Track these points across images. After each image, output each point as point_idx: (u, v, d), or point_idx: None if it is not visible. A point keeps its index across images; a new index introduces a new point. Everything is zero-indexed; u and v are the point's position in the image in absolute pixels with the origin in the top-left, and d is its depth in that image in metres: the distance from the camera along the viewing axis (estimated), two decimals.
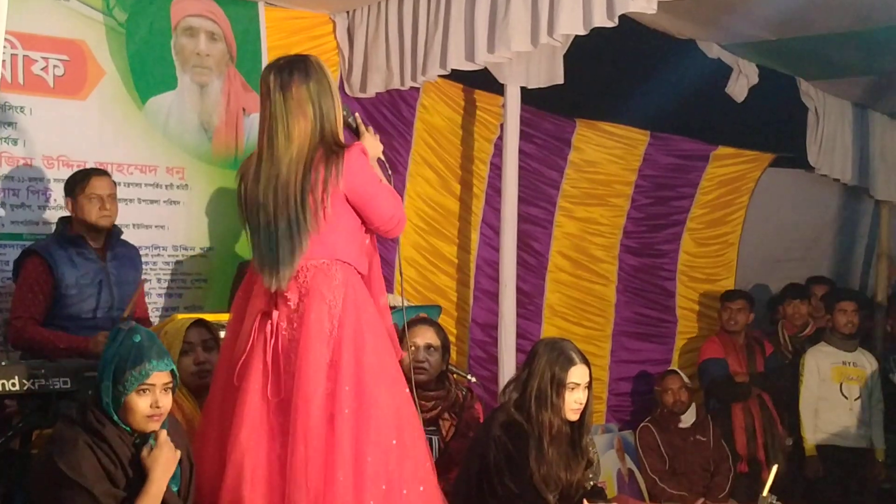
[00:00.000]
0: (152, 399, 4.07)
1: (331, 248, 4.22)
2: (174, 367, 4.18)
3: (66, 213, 5.69)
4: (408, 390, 4.31)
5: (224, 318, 5.29)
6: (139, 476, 4.04)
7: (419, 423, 4.36)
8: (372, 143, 4.40)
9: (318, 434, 4.07)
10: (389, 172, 4.48)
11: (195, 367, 4.86)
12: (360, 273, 4.30)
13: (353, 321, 4.17)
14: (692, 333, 9.25)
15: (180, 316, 5.18)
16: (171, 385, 4.14)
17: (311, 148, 4.20)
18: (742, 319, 8.60)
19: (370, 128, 4.48)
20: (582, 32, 5.99)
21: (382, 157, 4.48)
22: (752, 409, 8.35)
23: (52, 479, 3.94)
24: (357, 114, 4.50)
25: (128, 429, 4.08)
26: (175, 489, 4.16)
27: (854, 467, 8.14)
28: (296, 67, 4.27)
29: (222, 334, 5.01)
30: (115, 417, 4.05)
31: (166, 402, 4.12)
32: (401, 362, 4.43)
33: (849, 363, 8.15)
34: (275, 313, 4.23)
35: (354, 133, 4.44)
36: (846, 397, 8.08)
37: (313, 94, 4.23)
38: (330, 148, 4.19)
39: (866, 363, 8.24)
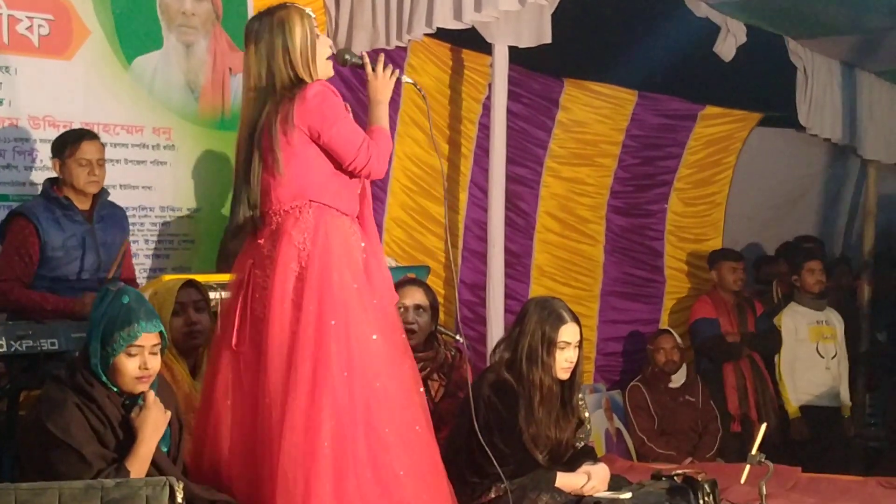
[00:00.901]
0: (141, 361, 4.06)
1: (301, 189, 4.22)
2: (163, 329, 4.17)
3: (53, 174, 5.65)
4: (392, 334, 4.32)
5: (212, 278, 5.29)
6: (128, 437, 4.03)
7: (404, 366, 4.35)
8: (377, 86, 4.38)
9: (281, 380, 4.08)
10: (422, 92, 4.56)
11: (186, 327, 4.87)
12: (345, 213, 4.29)
13: (321, 261, 4.16)
14: (681, 293, 9.26)
15: (168, 277, 5.17)
16: (159, 346, 4.14)
17: (269, 92, 4.22)
18: (742, 277, 8.64)
19: (385, 68, 4.40)
20: None
21: (409, 79, 4.55)
22: (743, 369, 8.38)
23: (40, 439, 3.94)
24: (365, 53, 4.48)
25: (116, 389, 4.07)
26: (165, 449, 4.16)
27: (837, 426, 8.18)
28: (250, 26, 4.35)
29: (212, 295, 5.02)
30: (104, 378, 4.04)
31: (155, 363, 4.12)
32: None
33: (822, 322, 8.18)
34: (249, 262, 4.27)
35: (362, 70, 4.44)
36: (822, 356, 8.11)
37: (261, 54, 4.24)
38: (285, 89, 4.20)
39: (836, 321, 8.28)
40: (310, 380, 4.04)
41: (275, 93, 4.20)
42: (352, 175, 4.28)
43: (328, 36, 7.16)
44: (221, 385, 4.27)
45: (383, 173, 4.38)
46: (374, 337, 4.19)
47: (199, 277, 5.19)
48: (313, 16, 4.33)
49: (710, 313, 8.49)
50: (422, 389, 4.49)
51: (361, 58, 4.42)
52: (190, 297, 4.94)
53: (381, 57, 4.42)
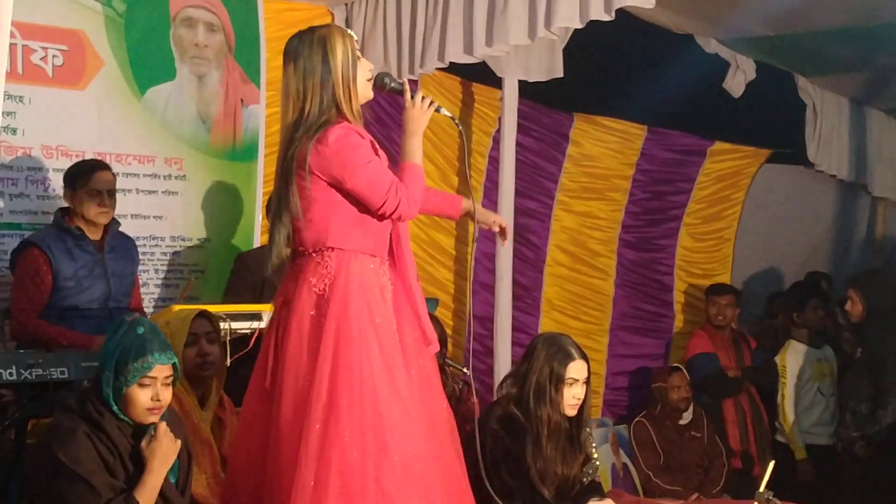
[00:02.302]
0: (153, 392, 4.06)
1: (322, 234, 4.13)
2: (176, 361, 4.18)
3: (65, 204, 5.68)
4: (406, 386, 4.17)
5: (222, 308, 5.31)
6: (137, 467, 4.04)
7: (437, 428, 4.25)
8: (413, 115, 4.26)
9: (292, 425, 4.02)
10: (459, 125, 4.45)
11: (198, 358, 4.86)
12: (372, 255, 4.18)
13: (339, 309, 4.06)
14: (689, 329, 9.24)
15: (178, 307, 5.17)
16: (172, 378, 4.14)
17: (295, 129, 4.13)
18: (730, 314, 8.62)
19: (422, 98, 4.28)
20: (578, 26, 5.98)
21: (447, 113, 4.40)
22: (742, 404, 8.36)
23: (50, 468, 3.94)
24: (407, 80, 4.38)
25: (127, 420, 4.08)
26: (173, 480, 4.17)
27: (836, 463, 8.13)
28: (290, 44, 4.23)
29: (223, 326, 5.03)
30: (115, 408, 4.05)
31: (167, 395, 4.12)
32: None
33: (822, 359, 8.13)
34: (280, 300, 4.24)
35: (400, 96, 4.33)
36: (823, 395, 8.06)
37: (299, 73, 4.15)
38: (309, 130, 4.09)
39: (832, 358, 8.22)
40: (320, 434, 3.95)
41: (305, 122, 4.10)
42: (381, 218, 4.17)
43: None
44: (252, 420, 4.26)
45: (415, 214, 4.23)
46: (400, 391, 4.10)
47: (210, 308, 5.20)
48: (356, 37, 4.23)
49: (708, 348, 8.45)
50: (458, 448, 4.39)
51: (402, 84, 4.31)
52: (203, 328, 4.94)
53: (420, 88, 4.38)
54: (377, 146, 4.18)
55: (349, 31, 4.25)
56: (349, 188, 4.07)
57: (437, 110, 4.32)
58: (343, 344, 4.02)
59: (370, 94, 4.26)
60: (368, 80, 4.23)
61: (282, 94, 4.23)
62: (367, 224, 4.15)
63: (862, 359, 7.19)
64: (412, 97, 4.26)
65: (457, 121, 4.50)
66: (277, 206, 4.17)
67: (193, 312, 4.95)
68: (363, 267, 4.15)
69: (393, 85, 4.33)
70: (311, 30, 4.22)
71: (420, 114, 4.25)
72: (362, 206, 4.12)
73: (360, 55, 4.21)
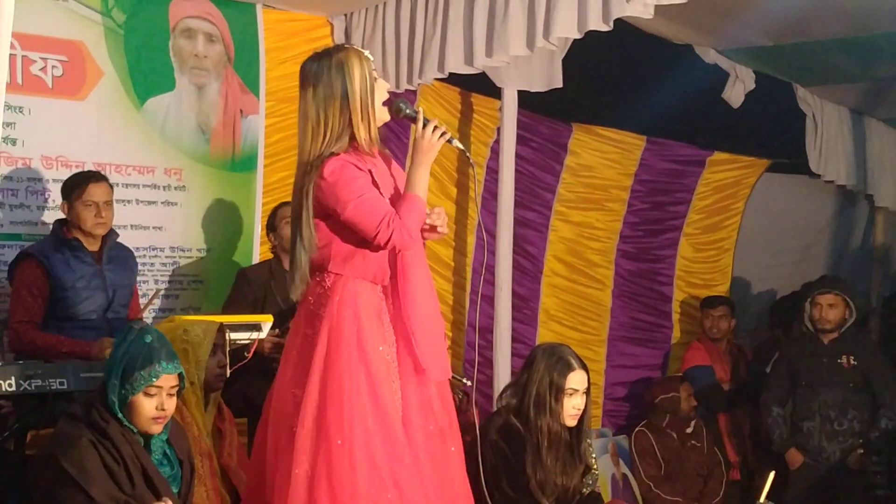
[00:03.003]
0: (158, 401, 4.09)
1: (324, 260, 4.20)
2: (182, 370, 4.22)
3: (63, 215, 5.69)
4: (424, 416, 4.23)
5: (226, 319, 5.32)
6: (140, 475, 4.05)
7: (439, 455, 4.25)
8: (422, 146, 4.20)
9: (280, 442, 4.12)
10: (471, 160, 4.39)
11: (219, 368, 4.88)
12: (371, 281, 4.22)
13: (329, 328, 4.12)
14: (688, 339, 9.23)
15: (180, 318, 5.18)
16: (177, 388, 4.16)
17: (311, 158, 4.17)
18: (724, 326, 8.63)
19: (434, 129, 4.21)
20: (577, 36, 5.98)
21: (459, 145, 4.35)
22: (739, 416, 8.34)
23: (53, 475, 3.95)
24: (421, 108, 4.33)
25: (132, 427, 4.09)
26: (176, 491, 4.17)
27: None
28: (308, 67, 4.24)
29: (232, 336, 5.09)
30: (120, 416, 4.06)
31: (171, 404, 4.14)
32: None
33: None
34: (296, 318, 4.34)
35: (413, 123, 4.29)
36: None
37: (318, 98, 4.18)
38: (324, 150, 4.14)
39: None
40: (309, 450, 4.04)
41: (319, 150, 4.14)
42: (376, 248, 4.18)
43: None
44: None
45: (410, 245, 4.19)
46: (386, 413, 4.12)
47: (209, 318, 5.21)
48: (371, 58, 4.23)
49: (704, 360, 8.46)
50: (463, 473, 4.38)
51: (417, 112, 4.27)
52: (221, 340, 4.97)
53: (421, 110, 4.29)
54: (379, 175, 4.19)
55: (365, 52, 4.25)
56: (344, 220, 4.11)
57: (449, 142, 4.26)
58: (331, 364, 4.08)
59: (387, 117, 4.27)
60: (383, 104, 4.24)
61: (300, 117, 4.25)
62: (367, 252, 4.19)
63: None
64: (424, 126, 4.22)
65: (468, 154, 4.43)
66: (294, 232, 4.21)
67: (216, 324, 4.96)
68: (360, 291, 4.19)
69: (408, 111, 4.30)
70: (329, 53, 4.23)
71: (428, 146, 4.20)
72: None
73: (377, 76, 4.22)
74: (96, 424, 4.04)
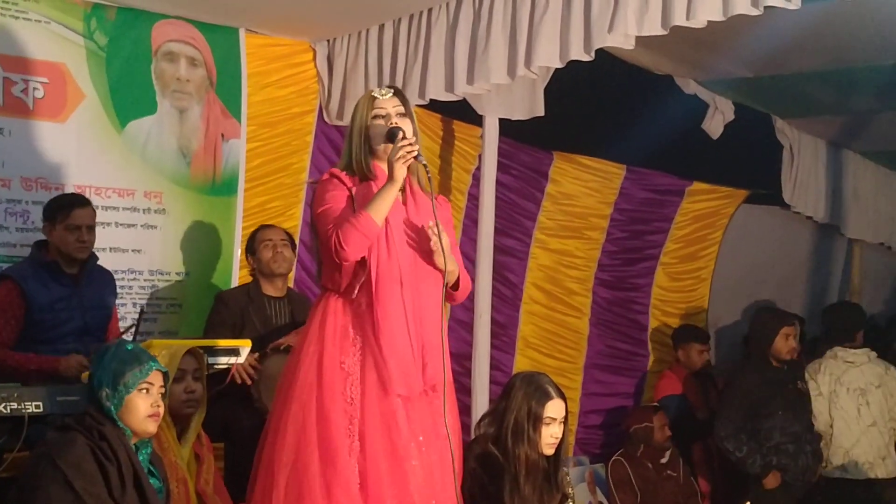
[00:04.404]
0: (153, 399, 4.19)
1: (320, 274, 4.50)
2: (167, 370, 4.35)
3: (43, 237, 5.66)
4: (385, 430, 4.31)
5: (200, 343, 5.30)
6: (132, 479, 4.08)
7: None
8: (392, 168, 4.32)
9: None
10: (428, 171, 4.44)
11: (185, 395, 4.88)
12: (348, 296, 4.38)
13: (302, 342, 4.43)
14: (663, 368, 9.25)
15: (158, 342, 5.17)
16: (164, 390, 4.28)
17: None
18: (701, 360, 8.67)
19: (402, 146, 4.32)
20: (558, 65, 6.02)
21: (423, 162, 4.42)
22: (710, 446, 8.36)
23: (45, 473, 3.97)
24: (399, 129, 4.40)
25: (126, 430, 4.15)
26: None
27: None
28: None
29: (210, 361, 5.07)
30: (116, 418, 4.13)
31: (162, 403, 4.26)
32: None
33: None
34: None
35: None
36: None
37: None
38: None
39: None
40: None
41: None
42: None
43: (321, 104, 7.24)
44: None
45: (344, 257, 4.28)
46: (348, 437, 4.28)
47: (188, 343, 5.19)
48: (379, 97, 4.45)
49: (677, 389, 8.50)
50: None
51: (396, 132, 4.38)
52: (190, 366, 4.97)
53: (402, 131, 4.37)
54: (360, 196, 4.36)
55: (378, 89, 4.52)
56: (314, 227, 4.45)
57: (416, 157, 4.35)
58: (290, 389, 4.37)
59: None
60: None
61: None
62: (337, 264, 4.35)
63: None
64: (396, 142, 4.35)
65: (429, 173, 4.47)
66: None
67: (183, 349, 4.96)
68: (333, 305, 4.40)
69: (392, 133, 4.41)
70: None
71: (395, 168, 4.31)
72: None
73: (384, 112, 4.43)
74: (92, 427, 4.10)
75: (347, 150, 4.49)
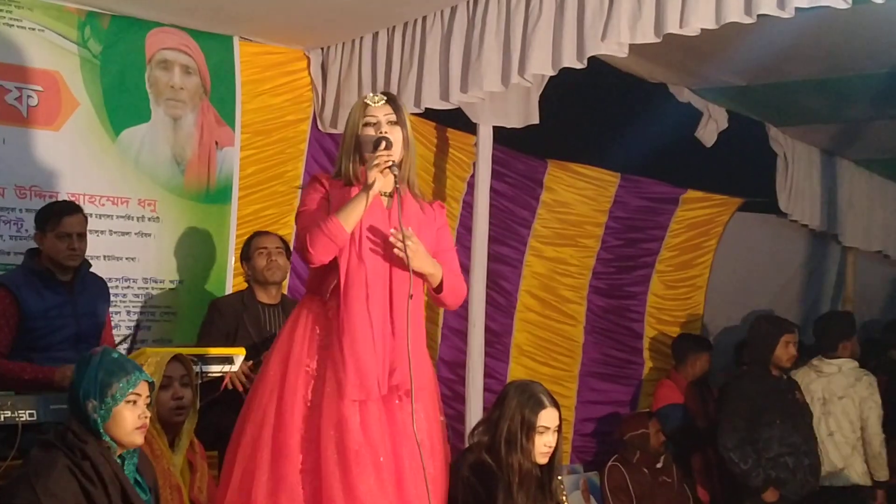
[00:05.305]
0: (140, 410, 4.13)
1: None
2: (153, 381, 4.31)
3: (36, 245, 5.66)
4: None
5: (194, 351, 5.30)
6: (119, 494, 4.03)
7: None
8: (369, 173, 4.31)
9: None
10: (396, 175, 4.37)
11: (173, 402, 4.86)
12: (322, 298, 4.43)
13: (275, 342, 4.51)
14: (658, 376, 9.25)
15: (151, 350, 5.16)
16: (150, 400, 4.22)
17: None
18: (705, 369, 8.67)
19: (379, 155, 4.31)
20: (551, 73, 6.03)
21: (396, 173, 4.37)
22: (710, 454, 8.35)
23: (24, 500, 3.91)
24: (385, 138, 4.35)
25: (112, 444, 4.10)
26: None
27: None
28: None
29: (196, 369, 5.04)
30: (102, 432, 4.06)
31: (149, 414, 4.20)
32: None
33: None
34: None
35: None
36: None
37: None
38: None
39: None
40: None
41: None
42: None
43: (315, 112, 7.25)
44: None
45: (314, 261, 4.31)
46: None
47: (182, 350, 5.18)
48: (371, 104, 4.42)
49: (678, 398, 8.48)
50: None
51: (384, 139, 4.35)
52: (177, 372, 4.94)
53: (386, 140, 4.34)
54: (336, 199, 4.37)
55: (372, 95, 4.49)
56: None
57: (391, 167, 4.34)
58: (263, 379, 4.45)
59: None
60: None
61: None
62: (323, 270, 4.39)
63: None
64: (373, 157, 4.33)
65: (397, 182, 4.39)
66: None
67: (168, 355, 4.94)
68: (308, 307, 4.46)
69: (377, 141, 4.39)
70: None
71: (368, 175, 4.31)
72: None
73: (375, 120, 4.40)
74: (74, 446, 4.02)
75: (339, 156, 4.52)
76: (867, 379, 7.70)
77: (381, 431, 4.32)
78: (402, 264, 4.36)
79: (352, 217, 4.29)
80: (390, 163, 4.31)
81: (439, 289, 4.50)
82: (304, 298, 4.52)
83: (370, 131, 4.39)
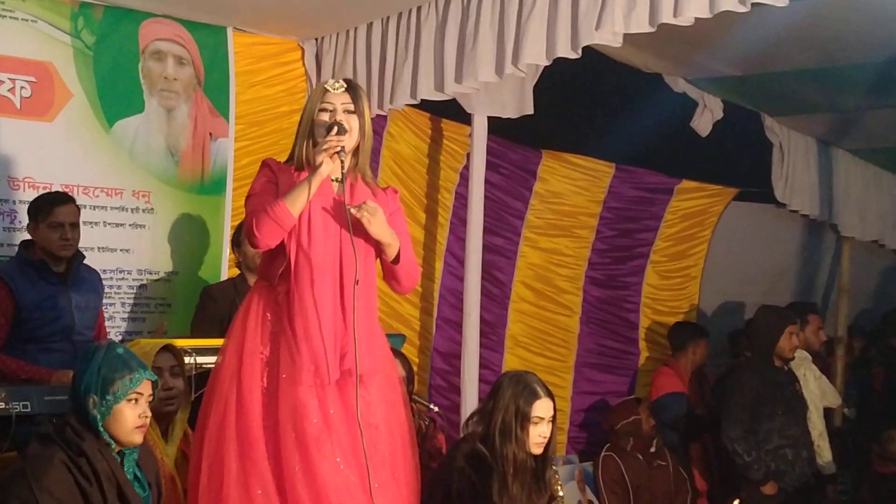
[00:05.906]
0: (141, 409, 4.11)
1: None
2: (156, 378, 4.26)
3: (29, 236, 5.65)
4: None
5: (188, 343, 5.28)
6: (115, 492, 4.02)
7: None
8: (318, 157, 4.28)
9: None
10: (343, 164, 4.33)
11: (163, 392, 4.83)
12: (271, 283, 4.39)
13: (228, 332, 4.43)
14: (654, 366, 9.25)
15: (144, 341, 5.15)
16: (152, 398, 4.20)
17: None
18: (701, 357, 8.67)
19: (329, 141, 4.27)
20: (545, 63, 6.02)
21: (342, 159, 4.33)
22: (706, 443, 8.35)
23: (20, 497, 3.90)
24: (339, 124, 4.29)
25: (110, 442, 4.08)
26: None
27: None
28: None
29: (187, 360, 5.01)
30: (102, 430, 4.04)
31: (149, 413, 4.18)
32: None
33: None
34: None
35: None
36: None
37: None
38: None
39: None
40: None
41: None
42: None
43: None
44: None
45: (260, 245, 4.27)
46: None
47: (176, 342, 5.18)
48: (331, 90, 4.35)
49: (677, 386, 8.47)
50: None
51: (337, 124, 4.29)
52: (167, 362, 4.92)
53: (338, 125, 4.29)
54: (283, 184, 4.33)
55: (332, 81, 4.42)
56: None
57: (338, 152, 4.27)
58: (220, 369, 4.40)
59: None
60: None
61: None
62: (275, 256, 4.37)
63: None
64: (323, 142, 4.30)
65: (343, 167, 4.33)
66: None
67: (157, 346, 4.93)
68: (260, 295, 4.41)
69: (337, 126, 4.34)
70: None
71: (315, 159, 4.28)
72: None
73: (331, 107, 4.33)
74: (71, 442, 4.01)
75: (294, 139, 4.45)
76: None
77: (339, 415, 4.28)
78: (352, 251, 4.29)
79: (298, 201, 4.25)
80: (339, 148, 4.26)
81: (396, 259, 4.44)
82: (256, 284, 4.47)
83: (325, 117, 4.32)
